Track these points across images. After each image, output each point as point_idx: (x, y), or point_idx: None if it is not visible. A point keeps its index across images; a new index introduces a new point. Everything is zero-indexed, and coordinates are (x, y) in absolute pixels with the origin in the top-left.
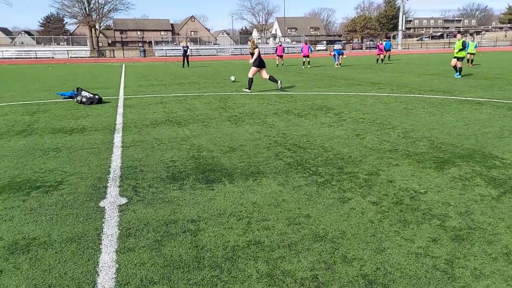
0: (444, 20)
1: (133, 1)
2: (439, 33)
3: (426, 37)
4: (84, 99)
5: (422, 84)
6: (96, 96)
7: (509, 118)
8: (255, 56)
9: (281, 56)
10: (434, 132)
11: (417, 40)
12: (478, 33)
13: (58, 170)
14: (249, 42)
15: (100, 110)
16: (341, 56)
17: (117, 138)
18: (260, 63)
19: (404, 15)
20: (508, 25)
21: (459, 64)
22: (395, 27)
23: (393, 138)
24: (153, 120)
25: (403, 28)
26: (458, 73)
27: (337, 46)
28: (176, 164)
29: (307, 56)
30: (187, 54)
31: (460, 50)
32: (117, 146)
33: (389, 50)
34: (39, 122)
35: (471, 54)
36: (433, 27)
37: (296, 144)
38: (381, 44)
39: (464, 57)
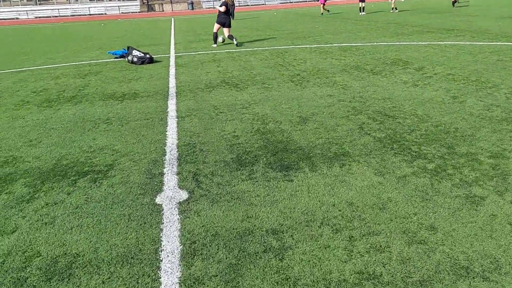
0: None
1: None
2: None
3: None
4: (135, 59)
5: (505, 29)
6: (147, 56)
7: None
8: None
9: (323, 4)
10: None
11: None
12: None
13: (109, 148)
14: None
15: (151, 70)
16: None
17: (171, 105)
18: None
19: None
20: None
21: None
22: None
23: (501, 101)
24: (208, 82)
25: None
26: None
27: None
28: (240, 141)
29: (364, 1)
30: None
31: None
32: (171, 116)
33: None
34: (90, 86)
35: None
36: None
37: (380, 111)
38: None
39: None
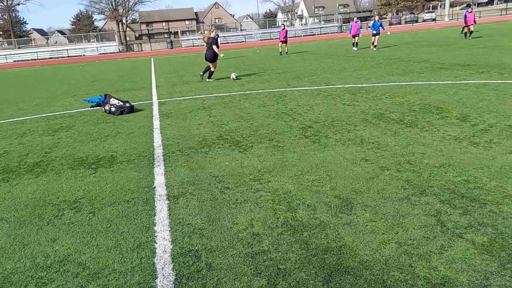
0: None
1: None
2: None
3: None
4: (113, 108)
5: None
6: (127, 104)
7: None
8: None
9: (285, 42)
10: None
11: (461, 9)
12: None
13: (72, 262)
14: (211, 33)
15: (132, 122)
16: (377, 36)
17: (159, 176)
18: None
19: None
20: None
21: None
22: None
23: None
24: (201, 139)
25: None
26: None
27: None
28: (265, 246)
29: (357, 35)
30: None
31: None
32: (160, 196)
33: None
34: (59, 147)
35: None
36: None
37: (452, 189)
38: (471, 12)
39: None
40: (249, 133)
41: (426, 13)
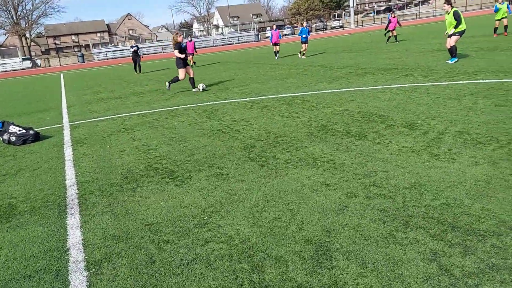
0: None
1: (63, 3)
2: (384, 7)
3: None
4: (13, 138)
5: (437, 64)
6: (31, 132)
7: None
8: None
9: (192, 54)
10: None
11: (363, 17)
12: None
13: None
14: (178, 37)
15: (37, 154)
16: (305, 44)
17: (73, 232)
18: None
19: None
20: None
21: (452, 42)
22: (338, 6)
23: None
24: (127, 171)
25: (354, 4)
26: (454, 57)
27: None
28: None
29: (277, 44)
30: (138, 55)
31: (455, 25)
32: (76, 267)
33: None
34: None
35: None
36: (376, 1)
37: (437, 218)
38: (394, 17)
39: (460, 32)
40: (184, 159)
41: (334, 21)
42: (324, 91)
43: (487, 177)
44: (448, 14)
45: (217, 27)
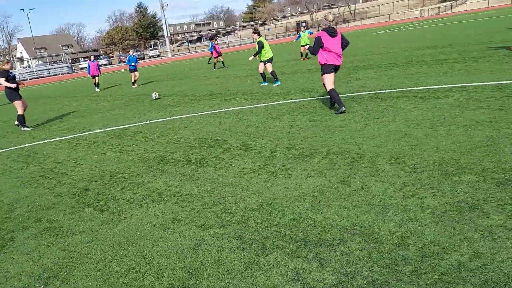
0: (196, 24)
1: None
2: (196, 37)
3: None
4: None
5: (253, 87)
6: None
7: None
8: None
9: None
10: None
11: (178, 46)
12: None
13: None
14: (4, 65)
15: None
16: (136, 72)
17: None
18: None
19: (166, 21)
20: (251, 22)
21: (269, 68)
22: (152, 36)
23: (420, 176)
24: None
25: (169, 34)
26: (276, 80)
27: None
28: None
29: (97, 76)
30: None
31: (262, 53)
32: None
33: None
34: None
35: (306, 46)
36: (187, 32)
37: (290, 235)
38: (216, 44)
39: (269, 60)
40: (2, 217)
41: (151, 50)
42: (156, 120)
43: (320, 187)
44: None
45: (21, 60)
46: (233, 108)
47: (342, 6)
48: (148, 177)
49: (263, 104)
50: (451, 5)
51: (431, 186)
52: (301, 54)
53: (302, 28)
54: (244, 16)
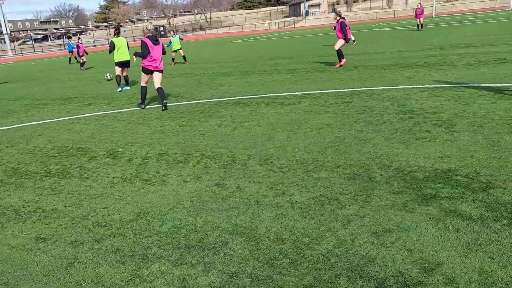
0: (41, 22)
1: None
2: (42, 35)
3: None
4: None
5: (114, 92)
6: None
7: None
8: None
9: None
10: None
11: (20, 45)
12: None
13: None
14: None
15: None
16: None
17: None
18: None
19: (5, 17)
20: (105, 23)
21: (123, 72)
22: None
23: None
24: None
25: (8, 31)
26: (126, 84)
27: None
28: None
29: None
30: None
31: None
32: None
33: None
34: None
35: (178, 50)
36: (31, 29)
37: (174, 242)
38: (80, 43)
39: (122, 63)
40: None
41: None
42: (0, 128)
43: (198, 192)
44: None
45: None
46: (93, 114)
47: (198, 14)
48: (0, 193)
49: (128, 109)
50: (294, 21)
51: (297, 184)
52: (173, 59)
53: (172, 33)
54: (97, 16)
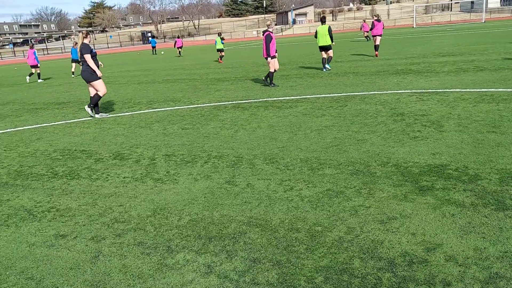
0: (20, 25)
1: None
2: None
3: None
4: None
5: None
6: None
7: None
8: None
9: None
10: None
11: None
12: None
13: None
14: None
15: None
16: None
17: None
18: None
19: None
20: (90, 28)
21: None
22: None
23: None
24: None
25: None
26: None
27: None
28: None
29: None
30: None
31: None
32: None
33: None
34: None
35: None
36: (10, 33)
37: (194, 234)
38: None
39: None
40: None
41: None
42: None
43: (210, 189)
44: None
45: None
46: (92, 118)
47: (186, 20)
48: (7, 194)
49: (126, 113)
50: (282, 29)
51: (304, 180)
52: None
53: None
54: (81, 21)
